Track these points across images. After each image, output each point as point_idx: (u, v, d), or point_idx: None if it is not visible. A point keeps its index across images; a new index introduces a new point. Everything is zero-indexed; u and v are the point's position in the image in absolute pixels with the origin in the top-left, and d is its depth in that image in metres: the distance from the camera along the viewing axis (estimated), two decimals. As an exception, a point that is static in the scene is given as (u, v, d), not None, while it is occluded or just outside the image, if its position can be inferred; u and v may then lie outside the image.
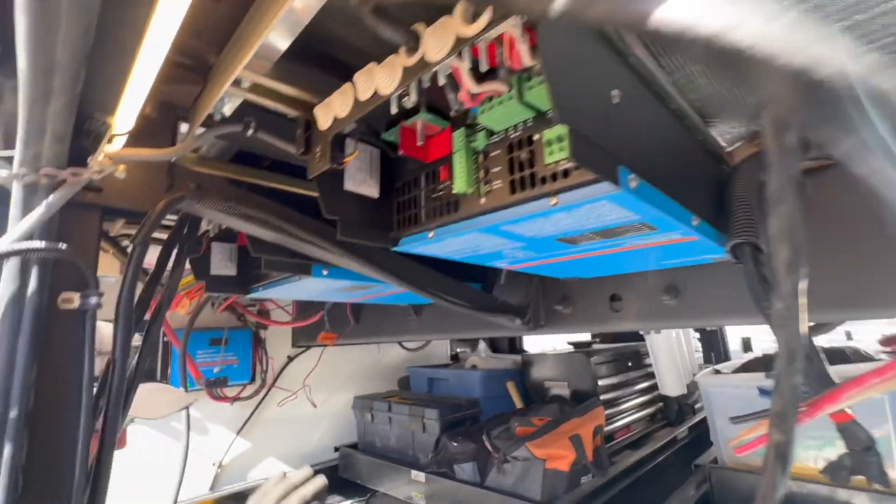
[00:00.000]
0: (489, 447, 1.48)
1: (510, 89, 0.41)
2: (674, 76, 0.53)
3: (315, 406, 2.03)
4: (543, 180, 0.42)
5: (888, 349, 1.81)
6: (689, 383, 2.10)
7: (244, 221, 0.58)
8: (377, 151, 0.59)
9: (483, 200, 0.47)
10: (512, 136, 0.45)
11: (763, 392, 1.49)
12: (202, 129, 0.55)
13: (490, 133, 0.47)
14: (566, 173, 0.40)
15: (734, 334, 3.09)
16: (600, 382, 1.83)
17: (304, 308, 1.90)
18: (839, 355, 1.69)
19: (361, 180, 0.56)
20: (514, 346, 2.97)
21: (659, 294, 0.87)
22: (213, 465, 1.73)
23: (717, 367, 1.90)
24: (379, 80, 0.40)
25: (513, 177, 0.44)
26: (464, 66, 0.38)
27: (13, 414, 0.36)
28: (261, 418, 1.88)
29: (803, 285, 0.30)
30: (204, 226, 0.77)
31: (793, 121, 0.11)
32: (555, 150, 0.41)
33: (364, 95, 0.42)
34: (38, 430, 0.39)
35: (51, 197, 0.38)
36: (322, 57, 0.50)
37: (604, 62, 0.42)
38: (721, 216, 0.61)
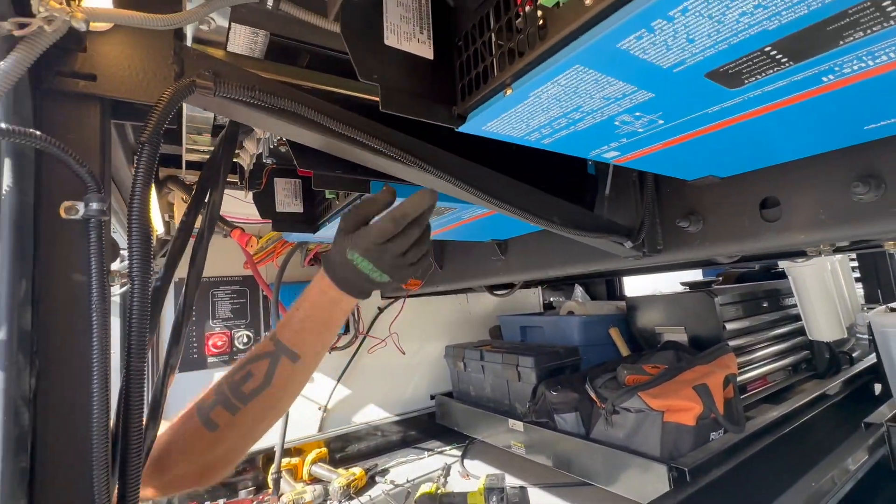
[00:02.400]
0: (594, 397, 1.32)
1: None
2: None
3: (403, 353, 2.03)
4: None
5: None
6: (849, 325, 1.70)
7: (275, 117, 0.47)
8: (428, -4, 0.43)
9: (589, 1, 0.29)
10: None
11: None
12: None
13: None
14: None
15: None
16: (728, 326, 1.54)
17: (387, 258, 1.87)
18: None
19: (408, 34, 0.41)
20: (612, 293, 2.70)
21: (844, 187, 0.60)
22: (319, 409, 1.82)
23: (893, 305, 1.49)
24: None
25: (642, -66, 0.25)
26: None
27: (2, 335, 0.30)
28: (358, 367, 1.93)
29: None
30: (252, 148, 0.69)
31: None
32: None
33: None
34: (46, 356, 0.32)
35: (2, 64, 0.29)
36: None
37: None
38: None
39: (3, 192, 0.31)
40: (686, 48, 0.30)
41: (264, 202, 0.83)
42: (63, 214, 0.36)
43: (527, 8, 0.35)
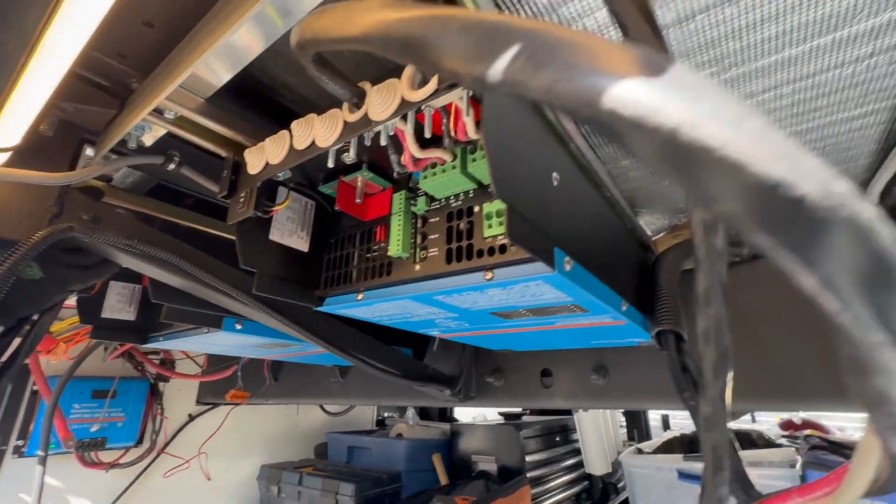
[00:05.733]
0: (407, 531, 1.34)
1: (454, 159, 0.40)
2: (608, 166, 0.56)
3: (209, 479, 1.75)
4: (480, 253, 0.40)
5: (787, 433, 1.94)
6: (613, 461, 2.10)
7: (147, 263, 0.51)
8: (312, 204, 0.55)
9: (418, 267, 0.44)
10: (453, 205, 0.44)
11: (682, 476, 1.51)
12: (114, 157, 0.49)
13: (431, 199, 0.46)
14: (503, 249, 0.39)
15: (655, 411, 3.21)
16: (528, 458, 1.77)
17: (216, 360, 1.70)
18: (746, 438, 1.78)
19: (291, 231, 0.51)
20: (444, 413, 2.85)
21: (588, 373, 0.87)
22: (68, 551, 1.41)
23: (640, 445, 1.93)
24: (318, 132, 0.37)
25: (450, 246, 0.42)
26: (408, 130, 0.37)
27: None
28: (141, 490, 1.59)
29: (729, 389, 0.29)
30: (100, 262, 0.67)
31: (734, 226, 0.10)
32: (493, 224, 0.40)
33: (301, 144, 0.39)
34: None
35: None
36: (262, 100, 0.47)
37: (547, 144, 0.43)
38: (646, 300, 0.63)
39: None
40: (475, 304, 0.47)
41: (88, 306, 0.77)
42: None
43: (381, 244, 0.49)
